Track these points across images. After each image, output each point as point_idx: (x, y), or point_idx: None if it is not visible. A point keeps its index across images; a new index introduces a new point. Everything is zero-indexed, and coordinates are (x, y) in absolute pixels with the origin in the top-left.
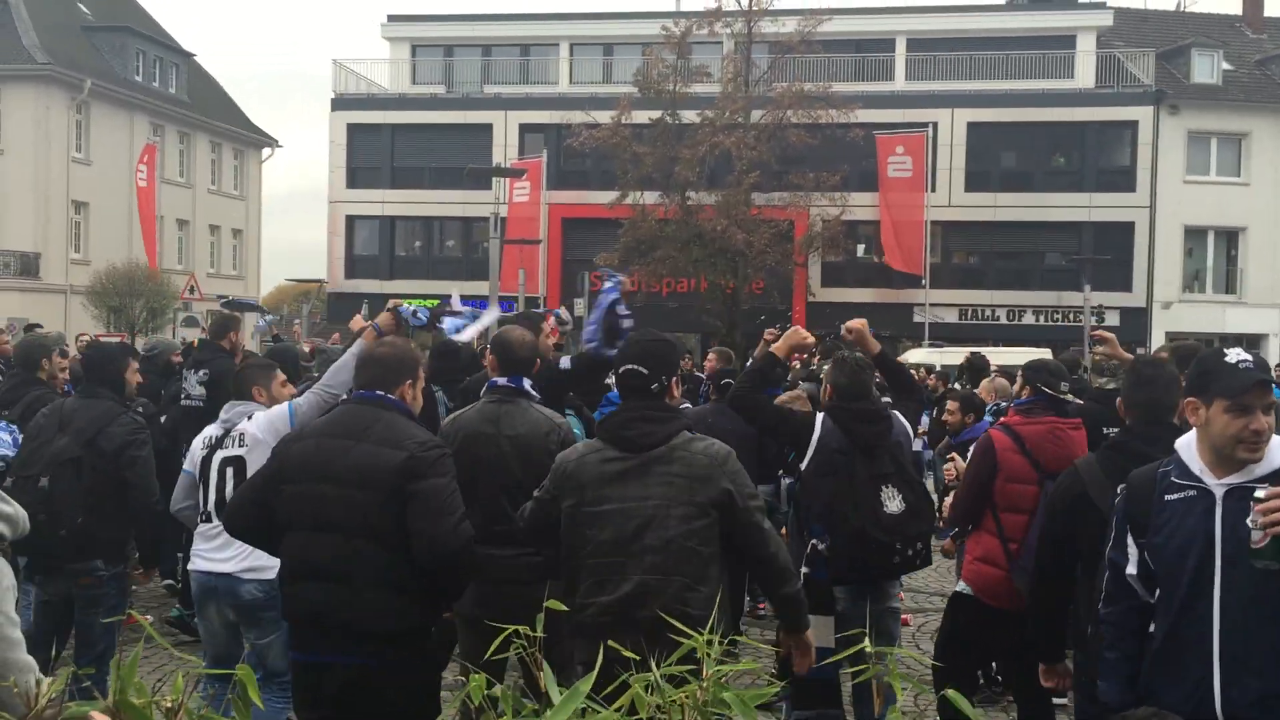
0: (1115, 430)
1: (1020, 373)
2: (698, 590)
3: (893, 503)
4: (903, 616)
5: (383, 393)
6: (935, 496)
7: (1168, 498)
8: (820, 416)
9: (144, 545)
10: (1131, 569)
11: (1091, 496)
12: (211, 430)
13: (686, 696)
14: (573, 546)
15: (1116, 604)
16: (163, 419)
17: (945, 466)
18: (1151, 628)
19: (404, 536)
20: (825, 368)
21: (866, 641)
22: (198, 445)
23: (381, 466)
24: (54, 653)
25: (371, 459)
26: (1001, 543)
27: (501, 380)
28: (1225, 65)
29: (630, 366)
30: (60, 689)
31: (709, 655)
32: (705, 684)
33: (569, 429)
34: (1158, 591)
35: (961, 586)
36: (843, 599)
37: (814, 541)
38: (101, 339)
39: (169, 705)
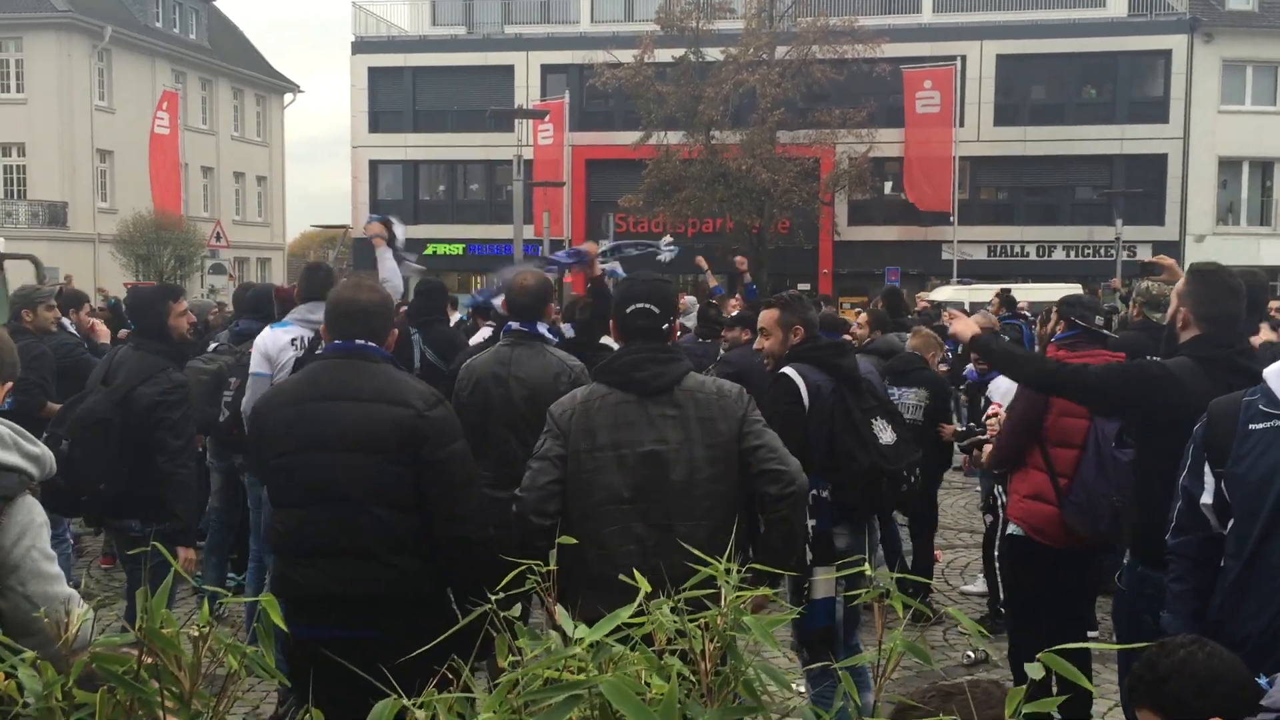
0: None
1: (1054, 309)
2: (725, 532)
3: (885, 434)
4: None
5: (367, 342)
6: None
7: (1252, 427)
8: (791, 370)
9: (167, 516)
10: (1207, 498)
11: (1183, 388)
12: (298, 332)
13: (706, 622)
14: (582, 493)
15: (1187, 534)
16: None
17: (989, 420)
18: (1223, 561)
19: (416, 499)
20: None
21: (866, 565)
22: (277, 347)
23: (385, 425)
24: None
25: (373, 419)
26: (1052, 478)
27: (515, 324)
28: None
29: (641, 305)
30: (87, 619)
31: (727, 582)
32: (724, 610)
33: (581, 370)
34: (1231, 523)
35: (1012, 528)
36: (844, 536)
37: (813, 491)
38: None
39: (196, 634)
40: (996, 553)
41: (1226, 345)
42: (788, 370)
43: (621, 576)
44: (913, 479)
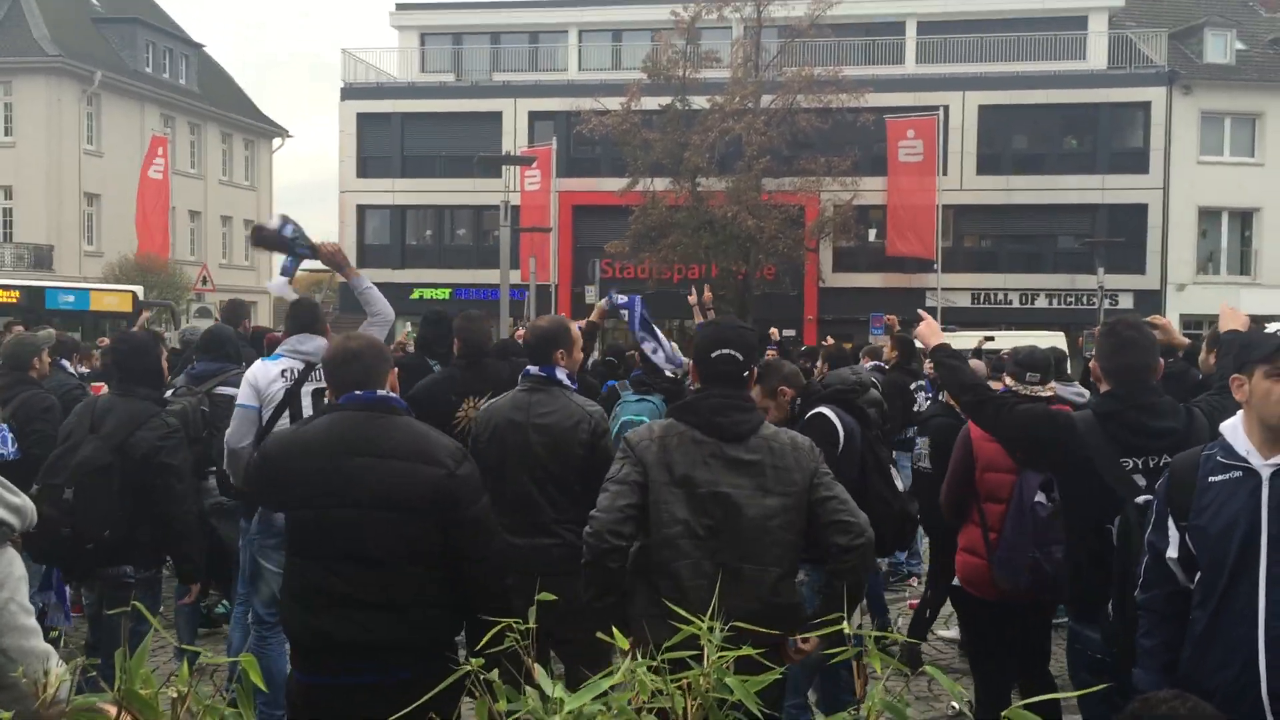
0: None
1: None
2: (788, 579)
3: (898, 479)
4: (911, 602)
5: (381, 392)
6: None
7: (1211, 479)
8: (829, 413)
9: (181, 561)
10: (1172, 552)
11: (1090, 456)
12: (287, 364)
13: (689, 682)
14: (658, 524)
15: (1155, 589)
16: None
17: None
18: (1191, 614)
19: (441, 554)
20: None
21: (845, 623)
22: (267, 379)
23: (417, 484)
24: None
25: (404, 478)
26: (983, 532)
27: (534, 368)
28: (1238, 45)
29: (726, 351)
30: (67, 679)
31: (710, 641)
32: (707, 670)
33: (601, 418)
34: (1197, 576)
35: (955, 579)
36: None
37: None
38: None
39: (175, 695)
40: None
41: (1125, 400)
42: (825, 410)
43: (681, 612)
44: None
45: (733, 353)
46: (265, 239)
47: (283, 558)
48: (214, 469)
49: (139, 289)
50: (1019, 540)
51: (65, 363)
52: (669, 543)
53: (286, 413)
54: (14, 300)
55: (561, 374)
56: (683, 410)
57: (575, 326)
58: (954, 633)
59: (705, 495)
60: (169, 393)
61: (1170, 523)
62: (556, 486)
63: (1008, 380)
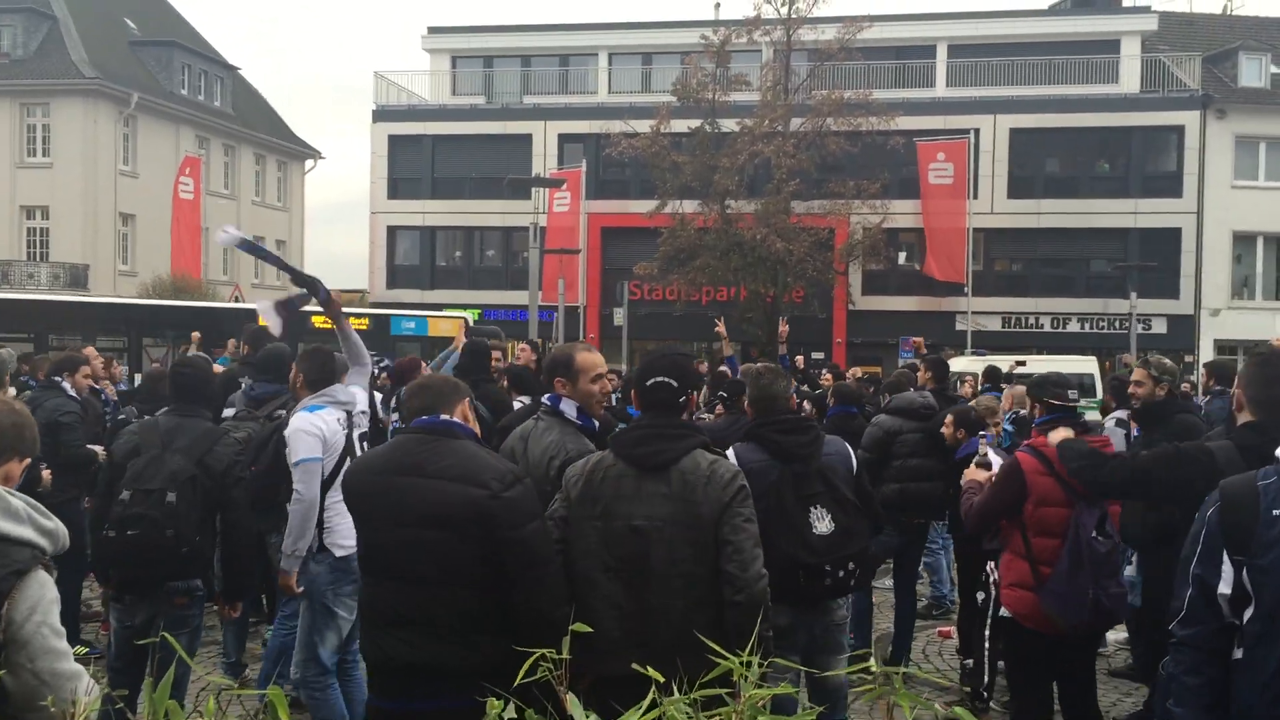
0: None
1: (1028, 394)
2: (703, 611)
3: (821, 523)
4: (941, 630)
5: (446, 416)
6: None
7: (1276, 512)
8: (731, 451)
9: (240, 575)
10: (1225, 588)
11: (1224, 473)
12: (337, 413)
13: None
14: (574, 557)
15: (1200, 625)
16: None
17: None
18: (1238, 653)
19: (490, 576)
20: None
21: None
22: (332, 430)
23: (458, 504)
24: (130, 679)
25: (447, 497)
26: (1032, 566)
27: (547, 396)
28: (1273, 68)
29: (661, 379)
30: (96, 707)
31: (745, 678)
32: (742, 708)
33: (576, 457)
34: (1250, 613)
35: (1004, 611)
36: (785, 613)
37: None
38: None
39: None
40: (988, 631)
41: (1270, 433)
42: (730, 450)
43: (717, 647)
44: (841, 573)
45: (667, 380)
46: (282, 309)
47: (354, 603)
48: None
49: (470, 315)
50: (1078, 575)
51: (66, 385)
52: (584, 576)
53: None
54: (364, 327)
55: (568, 406)
56: (614, 440)
57: (594, 354)
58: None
59: (620, 527)
60: (229, 413)
61: (1225, 556)
62: None
63: (1051, 400)
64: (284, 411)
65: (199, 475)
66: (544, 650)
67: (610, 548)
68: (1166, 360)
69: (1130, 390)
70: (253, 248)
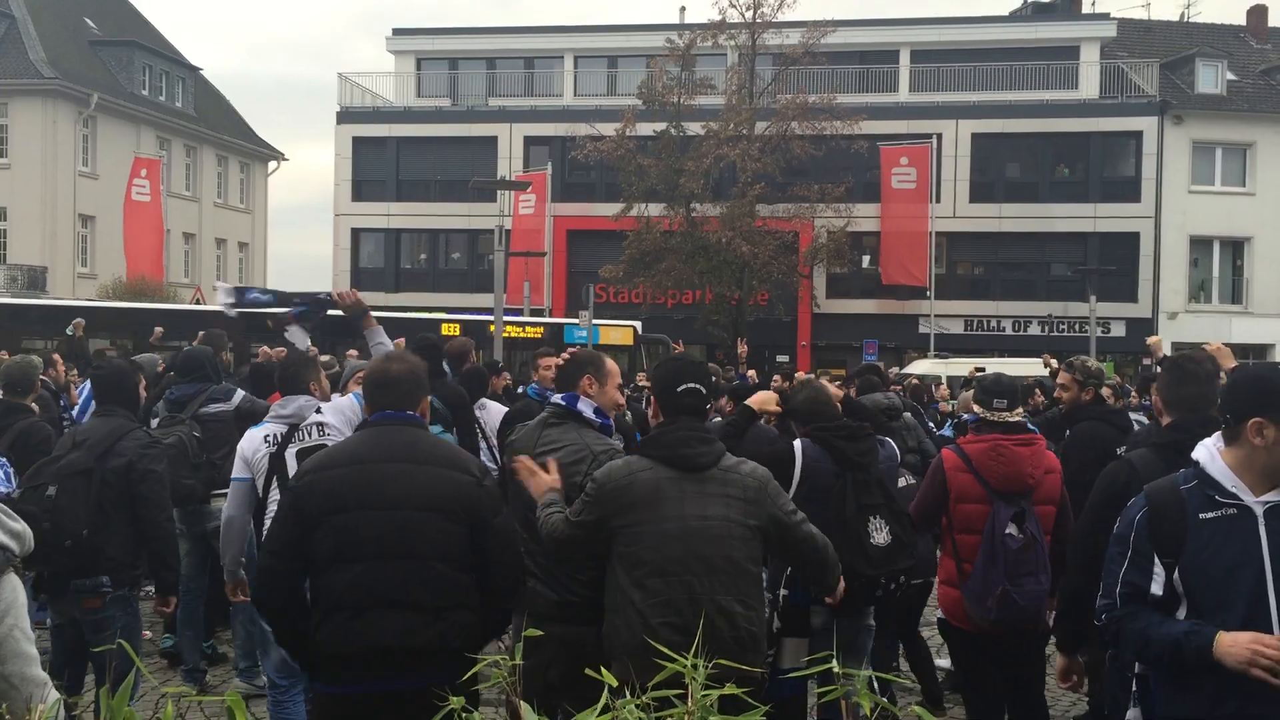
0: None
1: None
2: (755, 610)
3: (880, 534)
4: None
5: (411, 412)
6: None
7: (1203, 516)
8: (798, 443)
9: (161, 569)
10: (1157, 589)
11: (1143, 478)
12: (270, 429)
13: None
14: (625, 568)
15: (1137, 621)
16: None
17: None
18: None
19: (472, 558)
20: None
21: (834, 661)
22: (253, 448)
23: (451, 489)
24: (68, 677)
25: (441, 482)
26: (957, 564)
27: (558, 397)
28: (1229, 75)
29: (693, 385)
30: (53, 715)
31: (694, 679)
32: (692, 709)
33: (608, 459)
34: (1182, 612)
35: (940, 611)
36: (821, 614)
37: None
38: (107, 352)
39: None
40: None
41: (1187, 430)
42: (796, 442)
43: (664, 649)
44: (892, 585)
45: (698, 387)
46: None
47: None
48: (220, 492)
49: (638, 324)
50: (990, 572)
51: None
52: (638, 583)
53: (275, 480)
54: (539, 335)
55: (586, 405)
56: (648, 444)
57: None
58: (947, 662)
59: (672, 530)
60: (154, 421)
61: (1156, 560)
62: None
63: (976, 408)
64: (211, 407)
65: (95, 470)
66: (498, 658)
67: (663, 551)
68: (1091, 363)
69: (1055, 394)
70: (247, 299)
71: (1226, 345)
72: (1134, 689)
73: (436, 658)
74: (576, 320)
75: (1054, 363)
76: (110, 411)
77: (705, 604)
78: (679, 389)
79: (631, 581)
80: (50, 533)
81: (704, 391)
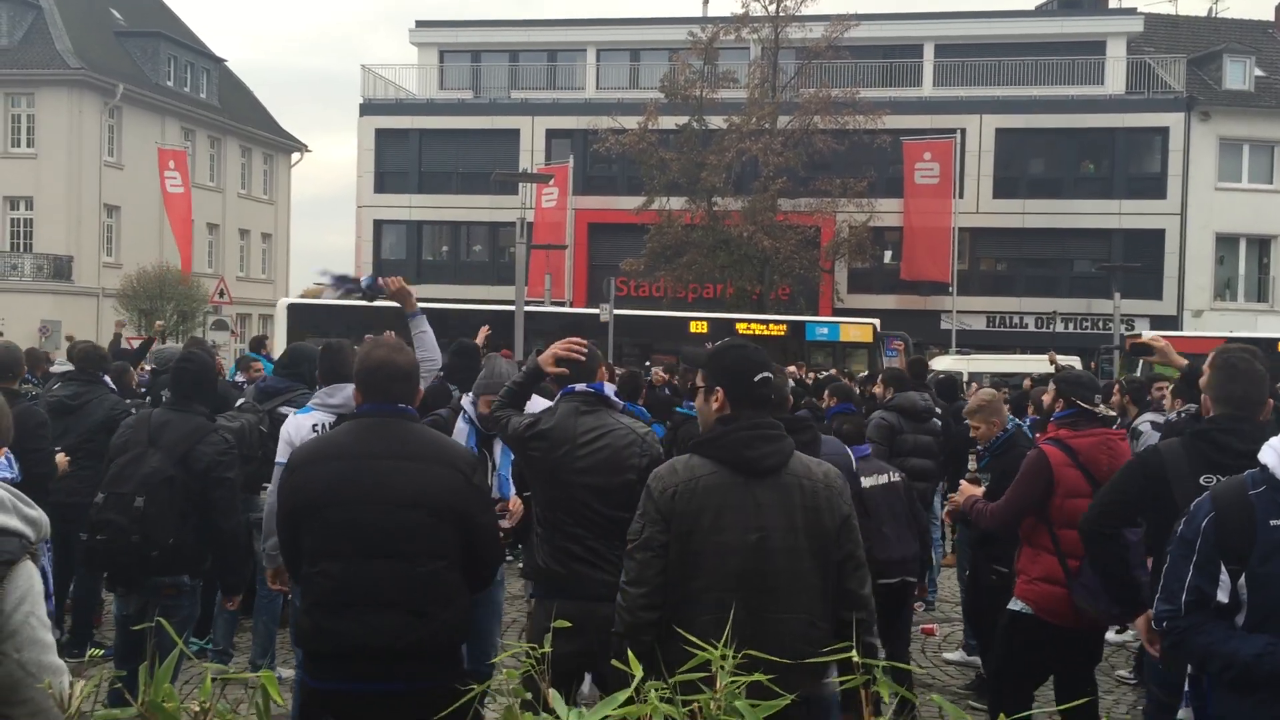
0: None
1: (1052, 384)
2: (820, 627)
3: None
4: (925, 627)
5: (404, 406)
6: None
7: (1273, 522)
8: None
9: (226, 571)
10: (1223, 597)
11: (1169, 481)
12: (318, 417)
13: (699, 706)
14: (683, 577)
15: (1203, 636)
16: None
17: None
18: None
19: (460, 556)
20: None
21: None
22: (300, 436)
23: (441, 485)
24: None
25: (430, 478)
26: (1060, 560)
27: (579, 386)
28: (1258, 71)
29: (767, 375)
30: (92, 691)
31: (722, 668)
32: (718, 695)
33: (653, 440)
34: (1241, 619)
35: (1019, 606)
36: None
37: None
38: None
39: (197, 709)
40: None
41: (1226, 428)
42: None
43: (694, 639)
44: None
45: (770, 375)
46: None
47: None
48: (267, 485)
49: (876, 322)
50: None
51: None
52: (692, 597)
53: None
54: (781, 333)
55: (609, 390)
56: (707, 445)
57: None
58: (958, 655)
59: (736, 542)
60: (239, 402)
61: (1223, 567)
62: (608, 508)
63: (1076, 403)
64: (287, 408)
65: (177, 475)
66: (529, 645)
67: (726, 563)
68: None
69: (1045, 403)
70: (347, 286)
71: (1247, 341)
72: (1186, 689)
73: (418, 659)
74: (815, 319)
75: (1060, 360)
76: (186, 406)
77: (760, 619)
78: (755, 379)
79: (686, 594)
80: (139, 544)
81: (773, 379)
